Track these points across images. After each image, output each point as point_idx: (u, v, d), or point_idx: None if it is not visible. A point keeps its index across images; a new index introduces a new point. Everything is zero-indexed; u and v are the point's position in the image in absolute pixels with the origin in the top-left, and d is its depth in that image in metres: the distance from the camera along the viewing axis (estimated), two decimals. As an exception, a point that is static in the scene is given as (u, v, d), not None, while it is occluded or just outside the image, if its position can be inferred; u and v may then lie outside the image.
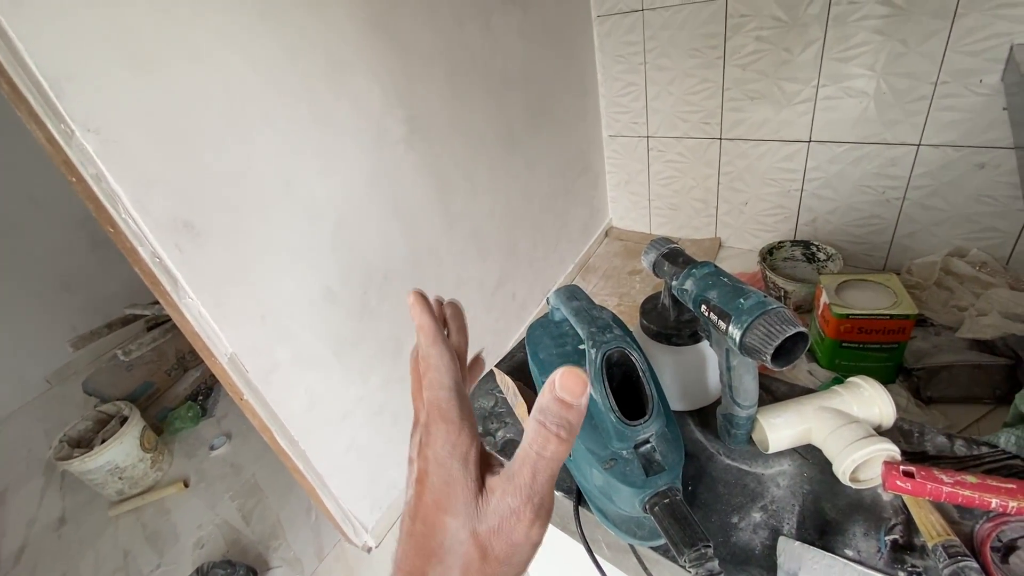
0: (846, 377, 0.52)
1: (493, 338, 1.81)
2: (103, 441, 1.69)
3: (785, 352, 0.39)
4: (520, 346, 0.70)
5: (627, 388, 0.41)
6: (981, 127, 1.52)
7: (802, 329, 0.38)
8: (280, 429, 1.11)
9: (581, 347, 0.46)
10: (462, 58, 1.43)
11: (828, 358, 1.47)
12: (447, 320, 0.33)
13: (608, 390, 0.39)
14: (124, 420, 1.77)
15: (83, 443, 1.76)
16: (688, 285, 0.46)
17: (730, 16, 1.75)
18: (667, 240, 0.52)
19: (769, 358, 0.38)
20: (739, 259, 2.13)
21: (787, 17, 1.65)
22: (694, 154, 2.10)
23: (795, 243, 1.89)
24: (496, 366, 0.68)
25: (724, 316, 0.41)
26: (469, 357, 0.35)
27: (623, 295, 2.10)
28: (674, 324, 0.52)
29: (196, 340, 0.95)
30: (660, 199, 2.33)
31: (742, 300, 0.40)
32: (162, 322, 2.15)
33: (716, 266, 0.47)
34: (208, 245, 0.92)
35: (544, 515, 0.22)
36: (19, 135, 2.16)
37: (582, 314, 0.44)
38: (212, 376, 2.16)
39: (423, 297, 0.29)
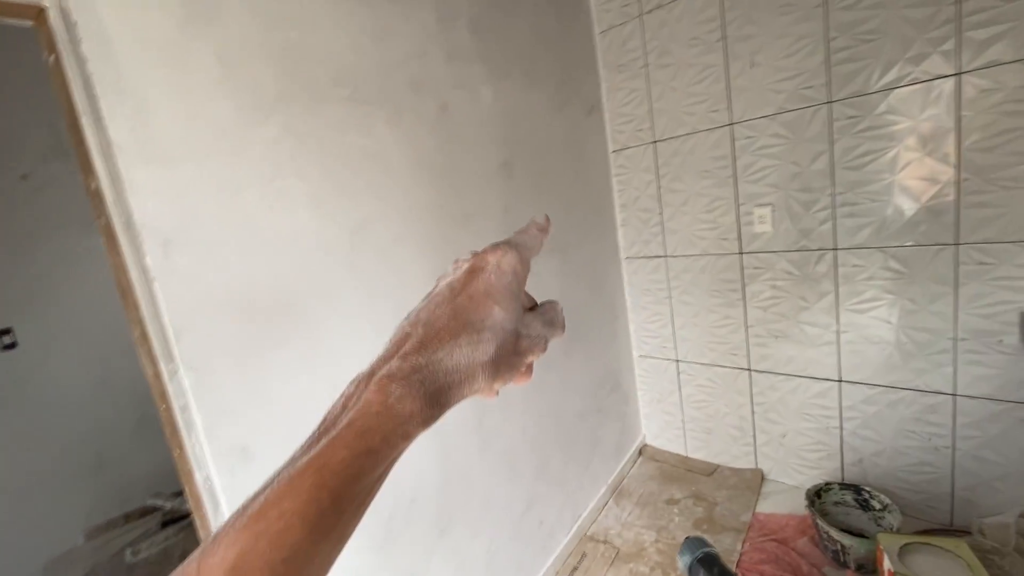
0: None
1: (516, 573, 1.66)
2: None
3: None
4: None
5: None
6: (1015, 383, 1.53)
7: None
8: None
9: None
10: (507, 296, 1.64)
11: (906, 643, 1.26)
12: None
13: None
14: (105, 637, 1.61)
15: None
16: (720, 605, 0.46)
17: (745, 267, 1.97)
18: (701, 542, 0.53)
19: None
20: (785, 496, 1.99)
21: (798, 272, 1.85)
22: (724, 381, 2.15)
23: (844, 486, 1.78)
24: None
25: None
26: None
27: (661, 529, 1.94)
28: (710, 639, 0.50)
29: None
30: (694, 422, 2.31)
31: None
32: (178, 519, 2.10)
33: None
34: (254, 467, 0.98)
35: (519, 370, 0.28)
36: (110, 332, 2.44)
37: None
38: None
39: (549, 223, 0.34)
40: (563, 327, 0.31)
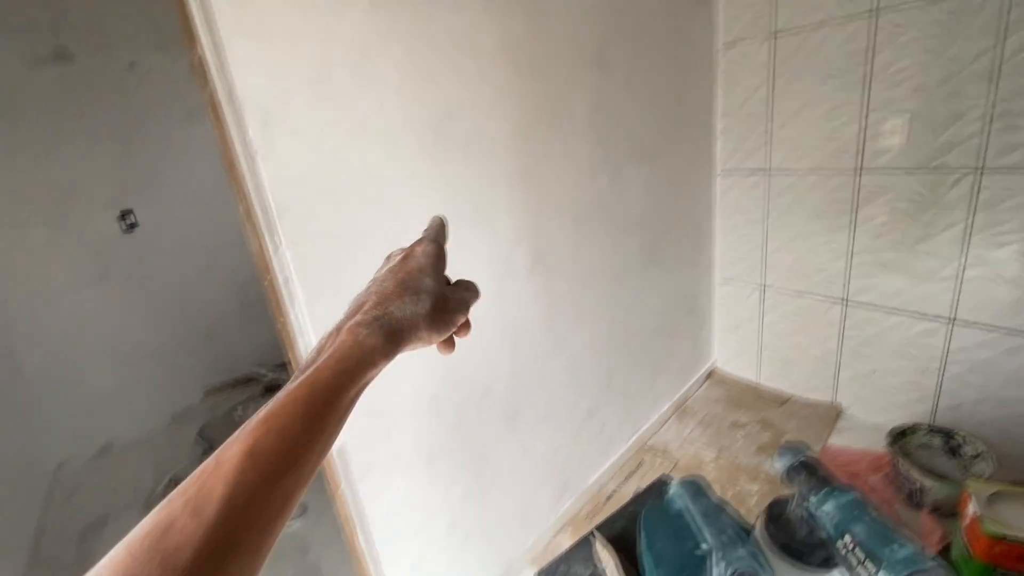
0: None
1: (574, 472, 1.75)
2: (202, 492, 1.83)
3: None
4: (622, 514, 0.69)
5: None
6: None
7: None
8: (363, 529, 1.13)
9: (704, 548, 0.45)
10: (590, 202, 1.57)
11: (978, 585, 1.22)
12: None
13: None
14: (224, 475, 1.91)
15: (185, 489, 1.91)
16: (828, 508, 0.44)
17: (862, 187, 1.75)
18: (803, 446, 0.50)
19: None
20: (861, 433, 1.91)
21: (928, 194, 1.62)
22: (814, 312, 2.01)
23: (934, 430, 1.67)
24: (597, 529, 0.66)
25: (874, 559, 0.38)
26: None
27: (722, 449, 1.95)
28: (805, 541, 0.49)
29: (316, 427, 1.04)
30: (772, 350, 2.21)
31: (896, 547, 0.38)
32: (278, 387, 2.37)
33: (861, 495, 0.44)
34: (348, 344, 1.04)
35: (453, 326, 0.38)
36: (219, 224, 2.65)
37: (711, 517, 0.43)
38: (304, 447, 2.28)
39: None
40: (478, 292, 0.40)
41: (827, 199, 1.85)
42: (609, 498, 1.82)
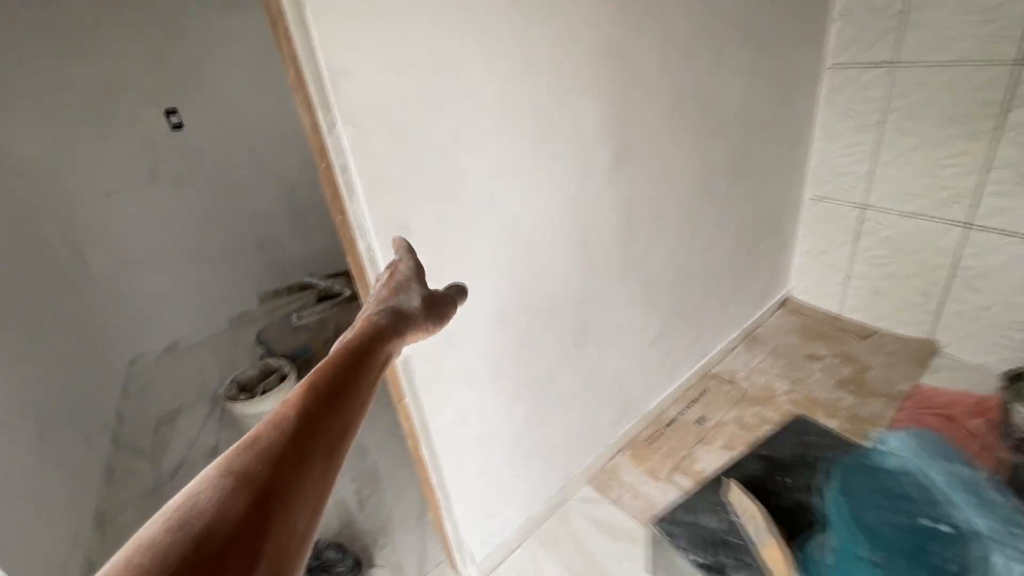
0: None
1: (637, 395, 1.66)
2: (264, 392, 1.86)
3: None
4: (753, 456, 0.56)
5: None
6: None
7: None
8: (427, 439, 1.08)
9: (938, 527, 0.32)
10: (685, 92, 1.33)
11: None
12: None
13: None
14: (283, 377, 1.94)
15: (247, 388, 1.96)
16: None
17: (1020, 83, 1.42)
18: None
19: None
20: (961, 374, 1.72)
21: (1115, 91, 1.29)
22: (925, 237, 1.75)
23: (1059, 374, 1.46)
24: (729, 473, 0.55)
25: None
26: None
27: (797, 381, 1.81)
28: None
29: (379, 336, 0.96)
30: (863, 279, 1.98)
31: None
32: (331, 296, 2.36)
33: None
34: (415, 247, 0.92)
35: (448, 318, 0.43)
36: (277, 106, 2.52)
37: (975, 491, 0.30)
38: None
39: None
40: (465, 290, 0.46)
41: (968, 99, 1.52)
42: (669, 424, 1.74)
